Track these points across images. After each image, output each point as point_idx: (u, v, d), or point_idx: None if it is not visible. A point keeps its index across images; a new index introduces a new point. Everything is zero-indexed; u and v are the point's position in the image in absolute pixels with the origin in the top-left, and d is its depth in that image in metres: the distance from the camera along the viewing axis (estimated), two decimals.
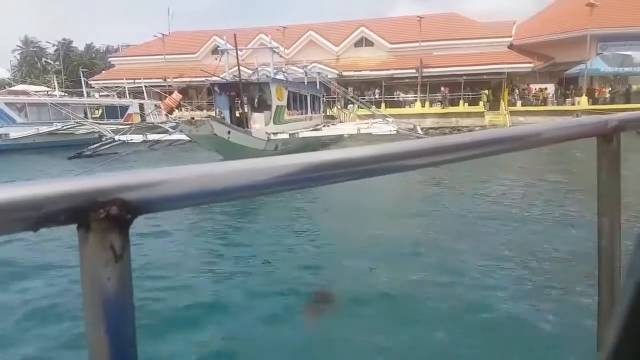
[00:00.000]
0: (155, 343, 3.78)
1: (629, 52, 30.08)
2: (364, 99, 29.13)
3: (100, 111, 27.66)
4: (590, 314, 3.67)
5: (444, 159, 0.66)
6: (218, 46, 36.03)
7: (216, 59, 19.76)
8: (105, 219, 0.38)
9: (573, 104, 31.18)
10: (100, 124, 22.95)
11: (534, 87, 34.39)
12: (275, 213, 8.45)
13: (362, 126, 18.41)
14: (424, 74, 33.49)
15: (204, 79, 25.02)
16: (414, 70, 33.63)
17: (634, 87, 30.74)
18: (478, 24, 37.74)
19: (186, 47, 40.36)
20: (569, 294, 4.54)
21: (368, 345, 3.76)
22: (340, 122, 26.91)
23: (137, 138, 18.80)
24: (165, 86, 33.98)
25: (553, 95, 34.04)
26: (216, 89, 18.22)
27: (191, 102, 34.06)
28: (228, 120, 17.28)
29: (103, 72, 44.33)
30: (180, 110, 29.68)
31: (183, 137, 18.59)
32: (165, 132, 20.22)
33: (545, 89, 34.15)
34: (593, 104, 30.47)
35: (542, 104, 33.00)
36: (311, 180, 0.52)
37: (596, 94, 31.74)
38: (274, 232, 7.33)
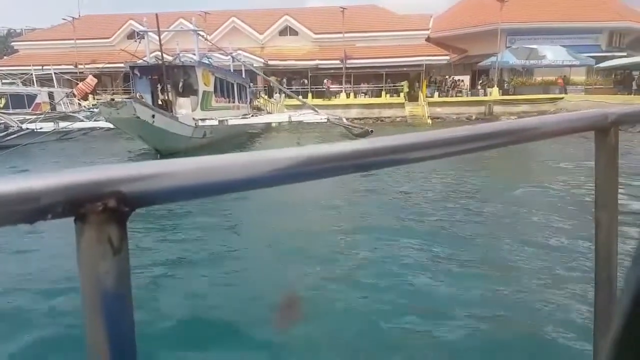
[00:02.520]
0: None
1: (534, 46, 32.48)
2: (290, 89, 28.96)
3: (4, 100, 25.11)
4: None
5: (443, 152, 0.65)
6: (134, 30, 34.50)
7: (136, 41, 18.64)
8: (103, 211, 0.37)
9: (485, 95, 33.10)
10: (4, 114, 20.80)
11: (457, 78, 36.08)
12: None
13: (294, 115, 18.21)
14: (348, 65, 33.94)
15: (120, 64, 23.58)
16: (338, 61, 34.00)
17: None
18: (397, 16, 38.92)
19: (99, 31, 37.78)
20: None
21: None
22: (268, 112, 26.56)
23: (48, 127, 17.25)
24: (76, 73, 31.56)
25: (467, 87, 36.01)
26: (136, 72, 17.16)
27: (105, 90, 31.97)
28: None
29: (5, 57, 40.49)
30: (95, 97, 27.71)
31: (99, 124, 17.36)
32: (79, 120, 18.79)
33: (462, 80, 36.08)
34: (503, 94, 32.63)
35: (458, 94, 34.70)
36: (312, 173, 0.51)
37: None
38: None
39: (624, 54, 33.60)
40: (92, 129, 18.53)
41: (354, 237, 6.28)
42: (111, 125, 15.22)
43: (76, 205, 0.36)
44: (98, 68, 28.89)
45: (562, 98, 29.90)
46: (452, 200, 8.43)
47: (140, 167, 0.40)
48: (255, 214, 7.62)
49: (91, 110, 22.06)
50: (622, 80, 33.11)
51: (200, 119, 16.65)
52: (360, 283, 4.72)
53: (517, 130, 0.78)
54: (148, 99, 16.96)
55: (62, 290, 4.55)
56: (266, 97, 30.78)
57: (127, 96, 15.11)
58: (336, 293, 4.46)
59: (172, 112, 16.42)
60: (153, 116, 14.07)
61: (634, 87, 30.71)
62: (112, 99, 13.64)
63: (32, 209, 0.35)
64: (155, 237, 6.39)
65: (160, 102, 17.17)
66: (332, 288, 4.56)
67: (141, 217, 6.75)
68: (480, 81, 35.20)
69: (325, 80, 34.13)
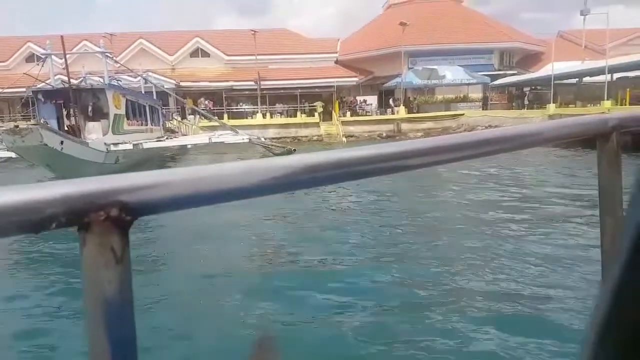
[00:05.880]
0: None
1: (435, 66, 34.98)
2: (205, 110, 28.58)
3: None
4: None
5: (443, 158, 0.66)
6: (33, 53, 32.36)
7: (37, 64, 17.54)
8: (106, 221, 0.38)
9: (393, 113, 34.92)
10: None
11: (359, 98, 37.75)
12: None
13: (213, 136, 17.95)
14: (262, 87, 34.28)
15: (18, 89, 22.02)
16: (252, 83, 34.23)
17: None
18: (307, 39, 40.18)
19: None
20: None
21: None
22: (183, 134, 25.96)
23: None
24: None
25: (376, 106, 37.78)
26: (40, 97, 16.13)
27: (2, 117, 29.50)
28: None
29: None
30: None
31: None
32: None
33: (354, 99, 37.80)
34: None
35: (368, 114, 36.32)
36: (312, 181, 0.52)
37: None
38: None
39: (515, 72, 37.35)
40: None
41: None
42: (11, 154, 14.14)
43: (79, 214, 0.37)
44: None
45: (462, 115, 32.32)
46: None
47: (142, 177, 0.41)
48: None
49: None
50: (516, 97, 36.59)
51: (113, 144, 15.98)
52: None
53: (519, 136, 0.78)
54: (54, 124, 15.98)
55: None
56: (179, 118, 30.10)
57: (32, 122, 13.94)
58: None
59: (80, 137, 15.60)
60: (62, 142, 13.30)
61: (526, 102, 34.01)
62: (16, 126, 12.61)
63: (37, 219, 0.36)
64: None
65: (67, 128, 16.26)
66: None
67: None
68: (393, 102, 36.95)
69: (205, 100, 33.81)
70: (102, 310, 0.38)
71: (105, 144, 15.64)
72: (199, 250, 6.94)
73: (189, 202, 0.43)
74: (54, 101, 16.32)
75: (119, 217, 0.38)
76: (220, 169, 0.46)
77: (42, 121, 16.16)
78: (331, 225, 8.34)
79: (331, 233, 7.79)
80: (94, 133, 16.16)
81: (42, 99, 16.15)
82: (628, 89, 25.34)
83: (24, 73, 18.54)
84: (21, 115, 25.99)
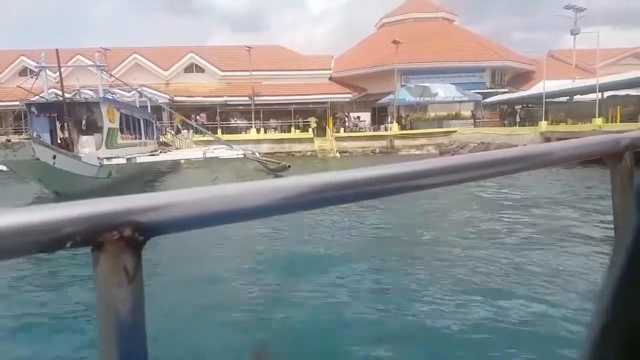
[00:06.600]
0: None
1: (427, 84, 35.34)
2: (199, 125, 28.53)
3: None
4: None
5: (456, 178, 0.65)
6: (26, 67, 32.35)
7: (32, 77, 17.45)
8: (119, 240, 0.38)
9: (386, 130, 35.14)
10: None
11: (353, 115, 38.06)
12: None
13: (208, 151, 17.89)
14: (256, 102, 34.42)
15: (10, 103, 21.93)
16: (247, 98, 34.37)
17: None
18: (301, 56, 40.54)
19: None
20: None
21: None
22: (176, 148, 25.89)
23: None
24: None
25: (370, 123, 38.05)
26: (33, 109, 16.01)
27: None
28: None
29: None
30: None
31: None
32: None
33: (347, 115, 38.02)
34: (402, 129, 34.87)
35: (362, 130, 36.56)
36: (322, 201, 0.52)
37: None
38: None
39: (506, 90, 37.83)
40: None
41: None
42: (2, 168, 13.99)
43: (94, 234, 0.37)
44: None
45: (455, 131, 32.56)
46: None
47: (156, 196, 0.41)
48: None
49: None
50: (508, 114, 37.00)
51: (106, 158, 15.86)
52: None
53: (531, 156, 0.77)
54: (47, 138, 15.84)
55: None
56: (173, 132, 30.06)
57: (24, 136, 13.68)
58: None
59: (75, 150, 15.49)
60: (54, 157, 13.18)
61: (518, 119, 34.38)
62: (8, 140, 12.44)
63: (53, 239, 0.36)
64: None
65: (60, 141, 16.14)
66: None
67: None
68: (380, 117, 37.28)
69: (198, 116, 33.88)
70: (114, 329, 0.38)
71: (98, 158, 15.52)
72: (203, 264, 6.87)
73: (202, 221, 0.43)
74: (47, 114, 16.22)
75: (132, 237, 0.39)
76: (233, 189, 0.45)
77: (34, 135, 16.00)
78: (335, 235, 8.32)
79: (335, 242, 7.78)
80: (87, 147, 16.04)
81: (36, 112, 16.04)
82: (619, 107, 25.74)
83: (17, 86, 18.44)
84: (12, 129, 25.80)
